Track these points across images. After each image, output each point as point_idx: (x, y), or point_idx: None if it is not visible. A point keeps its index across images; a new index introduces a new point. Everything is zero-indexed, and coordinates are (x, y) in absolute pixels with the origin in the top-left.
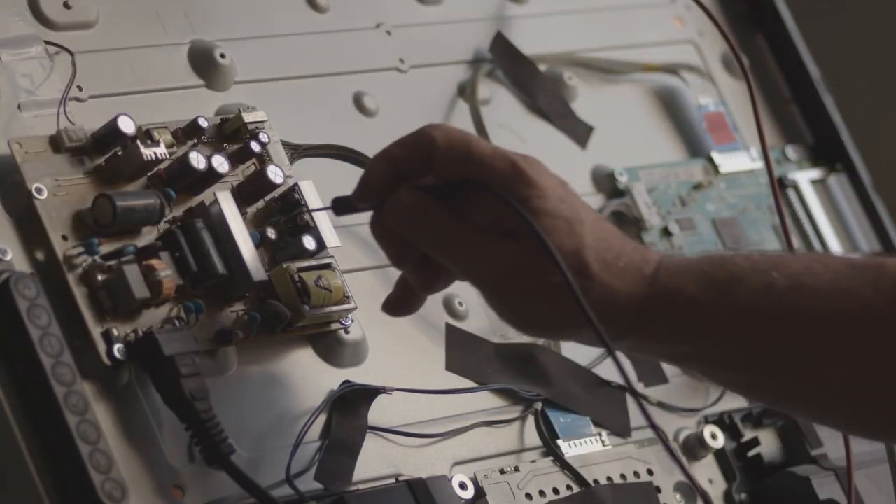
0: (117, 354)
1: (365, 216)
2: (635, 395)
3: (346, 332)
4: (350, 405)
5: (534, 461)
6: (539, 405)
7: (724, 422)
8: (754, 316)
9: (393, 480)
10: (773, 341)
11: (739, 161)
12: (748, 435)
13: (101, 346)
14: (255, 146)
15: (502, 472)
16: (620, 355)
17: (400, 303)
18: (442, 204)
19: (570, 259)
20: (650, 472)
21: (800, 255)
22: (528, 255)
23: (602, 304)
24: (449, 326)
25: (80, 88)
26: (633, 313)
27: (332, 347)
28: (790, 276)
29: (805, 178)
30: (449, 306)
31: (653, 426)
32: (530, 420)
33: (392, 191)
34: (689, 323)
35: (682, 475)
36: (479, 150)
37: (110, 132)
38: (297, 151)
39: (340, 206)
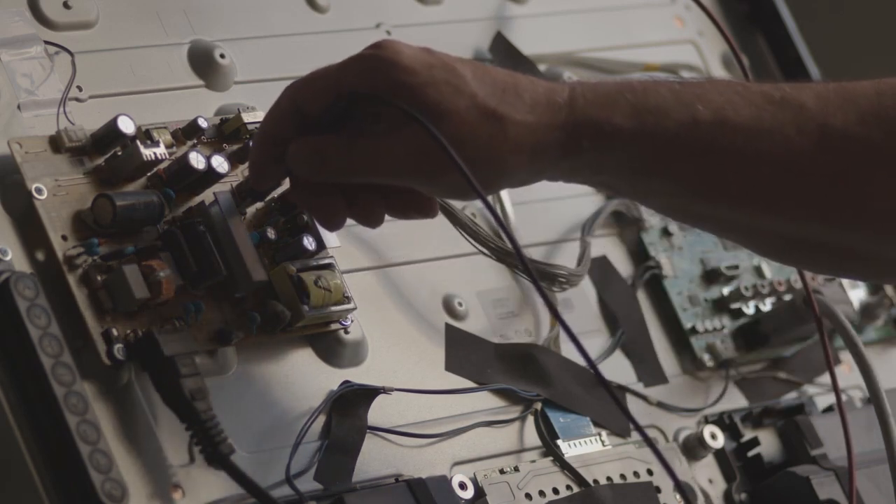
0: (117, 354)
1: None
2: (604, 382)
3: (346, 332)
4: (350, 405)
5: (534, 461)
6: (539, 405)
7: (724, 422)
8: (680, 149)
9: (393, 480)
10: (699, 173)
11: None
12: (748, 435)
13: (101, 346)
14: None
15: (502, 472)
16: (620, 355)
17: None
18: (333, 135)
19: (470, 113)
20: (650, 472)
21: (718, 83)
22: (421, 134)
23: (524, 141)
24: (449, 326)
25: (80, 88)
26: (559, 144)
27: (331, 347)
28: (714, 109)
29: None
30: (449, 306)
31: (621, 407)
32: (530, 420)
33: (281, 165)
34: (618, 151)
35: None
36: (331, 69)
37: (110, 132)
38: None
39: (253, 194)
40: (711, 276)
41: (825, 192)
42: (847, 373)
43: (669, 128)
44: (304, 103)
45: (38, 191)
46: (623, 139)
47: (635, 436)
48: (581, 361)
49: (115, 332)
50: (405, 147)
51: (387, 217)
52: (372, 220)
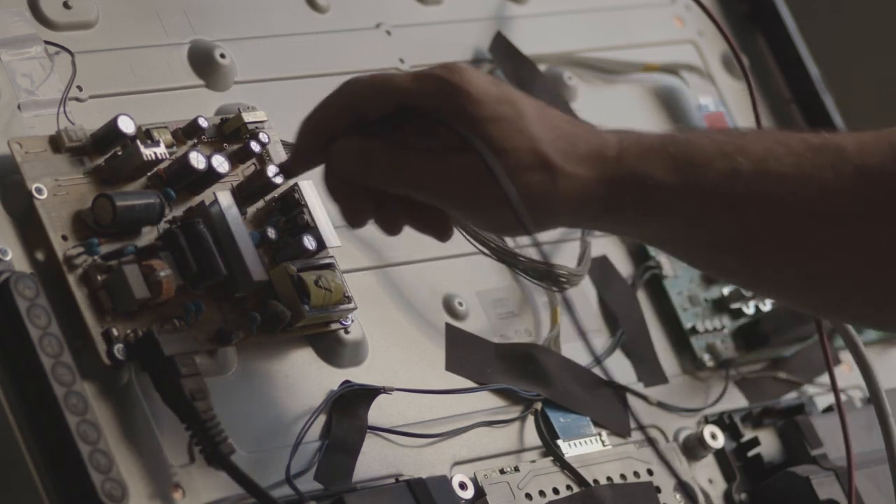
0: (117, 354)
1: None
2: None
3: (346, 332)
4: (350, 405)
5: (534, 461)
6: (539, 405)
7: (724, 422)
8: (721, 200)
9: (393, 480)
10: (739, 225)
11: None
12: (748, 435)
13: (101, 346)
14: (255, 146)
15: (502, 472)
16: (620, 356)
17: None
18: (384, 139)
19: (525, 157)
20: (650, 472)
21: (760, 134)
22: (480, 164)
23: (571, 193)
24: (449, 326)
25: (80, 88)
26: (603, 199)
27: (332, 347)
28: (755, 160)
29: None
30: (449, 306)
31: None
32: (530, 420)
33: (323, 153)
34: (659, 205)
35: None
36: (399, 79)
37: (110, 132)
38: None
39: (286, 172)
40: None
41: (865, 234)
42: (847, 373)
43: (710, 179)
44: (363, 105)
45: (38, 191)
46: (664, 193)
47: (635, 436)
48: (581, 362)
49: (115, 332)
50: (459, 174)
51: None
52: (393, 229)
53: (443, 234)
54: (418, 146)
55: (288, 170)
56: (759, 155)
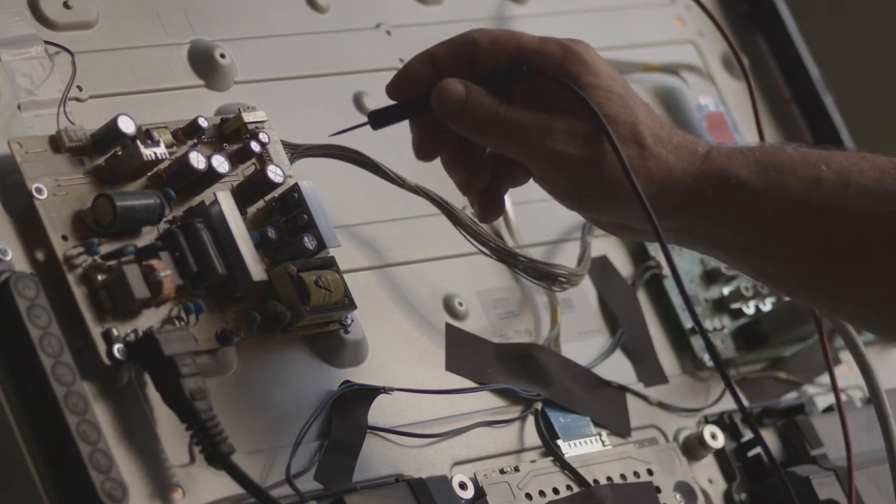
0: (117, 354)
1: (365, 217)
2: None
3: (346, 332)
4: (350, 405)
5: (534, 461)
6: (539, 405)
7: (724, 422)
8: (803, 206)
9: (393, 480)
10: (819, 234)
11: None
12: (748, 435)
13: (101, 346)
14: (255, 146)
15: (502, 472)
16: (620, 356)
17: (487, 213)
18: (489, 90)
19: (625, 129)
20: (650, 472)
21: (846, 151)
22: (583, 125)
23: (657, 176)
24: (449, 326)
25: (80, 88)
26: (686, 190)
27: (332, 347)
28: (838, 170)
29: None
30: (449, 306)
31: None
32: (530, 420)
33: (427, 85)
34: (739, 205)
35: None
36: (526, 38)
37: (110, 132)
38: (297, 151)
39: (377, 118)
40: (711, 276)
41: None
42: (847, 373)
43: (793, 185)
44: (484, 52)
45: (38, 191)
46: (746, 193)
47: (635, 436)
48: (581, 362)
49: (115, 332)
50: (563, 130)
51: (388, 217)
52: (470, 187)
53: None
54: (522, 104)
55: (381, 114)
56: (843, 166)
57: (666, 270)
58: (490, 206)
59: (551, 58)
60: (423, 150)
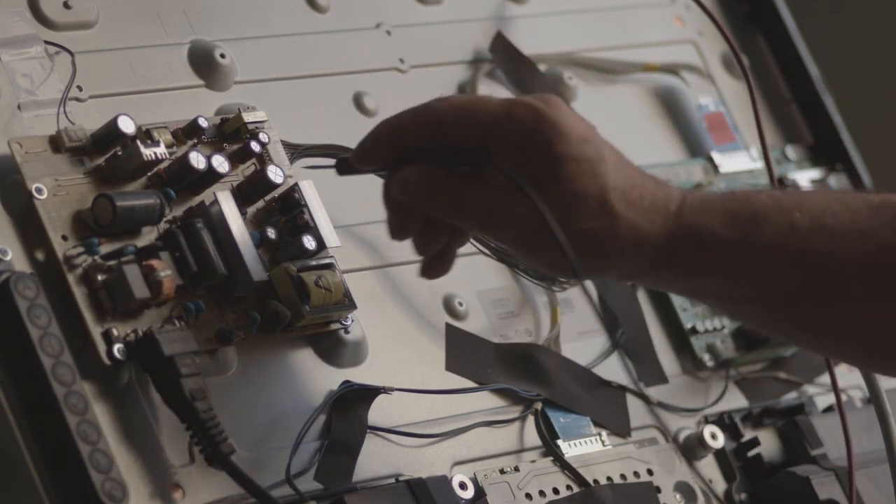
0: (117, 354)
1: (365, 217)
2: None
3: (346, 332)
4: (350, 405)
5: (534, 461)
6: (539, 405)
7: (724, 422)
8: (777, 255)
9: (393, 480)
10: (795, 280)
11: (739, 161)
12: (748, 435)
13: (101, 346)
14: (255, 146)
15: (502, 472)
16: (620, 355)
17: (434, 270)
18: (451, 172)
19: (594, 201)
20: (650, 472)
21: (819, 192)
22: (549, 206)
23: (629, 242)
24: (449, 326)
25: (80, 88)
26: (659, 251)
27: (332, 347)
28: (812, 216)
29: (805, 178)
30: (449, 306)
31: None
32: (530, 420)
33: (390, 158)
34: (714, 260)
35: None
36: (493, 107)
37: (110, 132)
38: (297, 151)
39: (343, 167)
40: None
41: None
42: (847, 373)
43: (767, 234)
44: (450, 129)
45: (38, 191)
46: (720, 249)
47: (635, 436)
48: (581, 362)
49: (115, 332)
50: (529, 214)
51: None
52: (427, 251)
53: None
54: (485, 181)
55: (347, 165)
56: (817, 211)
57: None
58: (441, 265)
59: (522, 128)
60: (398, 230)
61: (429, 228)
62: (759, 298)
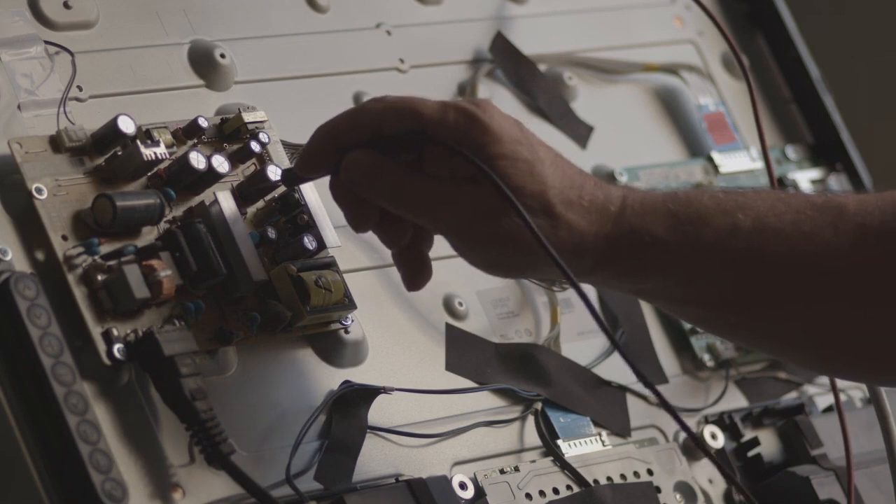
0: (117, 354)
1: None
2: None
3: (346, 332)
4: (350, 405)
5: (534, 461)
6: (539, 405)
7: (724, 422)
8: (719, 257)
9: (393, 480)
10: (737, 282)
11: (739, 161)
12: (748, 435)
13: (101, 346)
14: (255, 146)
15: (502, 472)
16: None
17: (413, 276)
18: (396, 161)
19: (533, 200)
20: (650, 472)
21: (762, 192)
22: (489, 199)
23: (568, 243)
24: (449, 326)
25: (80, 88)
26: (599, 252)
27: (332, 347)
28: (754, 217)
29: (805, 178)
30: (449, 306)
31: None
32: (530, 420)
33: (333, 162)
34: (655, 262)
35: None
36: (426, 108)
37: (110, 132)
38: (297, 151)
39: (288, 177)
40: None
41: (863, 287)
42: None
43: (709, 236)
44: (384, 124)
45: (38, 191)
46: (662, 250)
47: (635, 436)
48: (581, 362)
49: (115, 332)
50: (469, 204)
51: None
52: (393, 242)
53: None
54: (428, 172)
55: (292, 175)
56: (759, 212)
57: None
58: (415, 266)
59: (454, 129)
60: (356, 222)
61: (388, 220)
62: (704, 300)
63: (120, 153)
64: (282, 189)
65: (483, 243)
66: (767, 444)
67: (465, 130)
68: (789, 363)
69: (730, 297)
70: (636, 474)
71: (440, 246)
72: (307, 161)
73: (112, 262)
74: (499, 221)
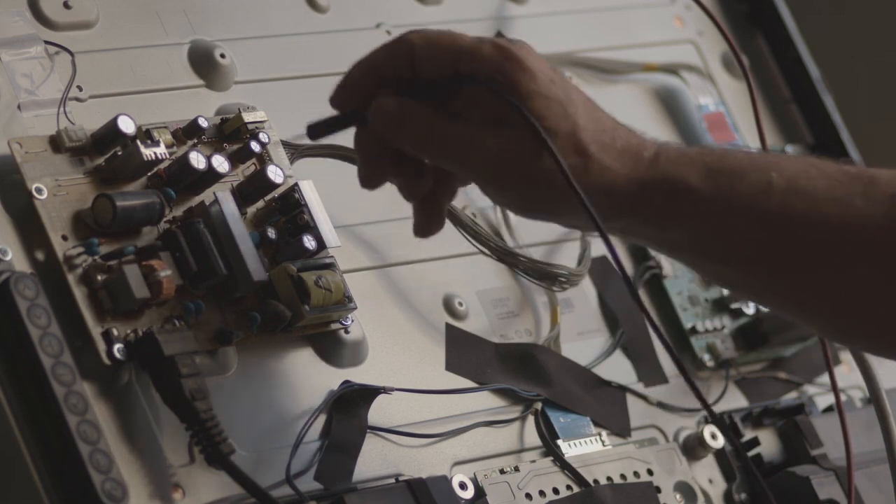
0: (117, 354)
1: (365, 217)
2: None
3: (346, 332)
4: (350, 405)
5: (534, 461)
6: (539, 405)
7: (725, 422)
8: (751, 213)
9: (393, 480)
10: (766, 240)
11: None
12: (748, 435)
13: (101, 346)
14: (255, 146)
15: (502, 472)
16: (620, 355)
17: (426, 225)
18: (426, 104)
19: (566, 140)
20: (650, 472)
21: (794, 157)
22: (521, 140)
23: (601, 184)
24: (449, 326)
25: (80, 88)
26: (631, 196)
27: (332, 347)
28: (788, 177)
29: None
30: (449, 306)
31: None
32: (530, 420)
33: (370, 96)
34: (687, 211)
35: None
36: (463, 41)
37: (110, 132)
38: (297, 151)
39: (315, 130)
40: None
41: (889, 259)
42: (847, 373)
43: (743, 191)
44: (423, 60)
45: (38, 191)
46: (695, 200)
47: (635, 436)
48: (581, 362)
49: (115, 332)
50: (499, 145)
51: (388, 217)
52: (414, 194)
53: (441, 213)
54: (458, 113)
55: (317, 128)
56: (792, 173)
57: (666, 270)
58: (430, 215)
59: (489, 63)
60: (368, 178)
61: (409, 170)
62: (731, 258)
63: (120, 153)
64: (282, 189)
65: (514, 184)
66: (767, 444)
67: (499, 64)
68: (808, 327)
69: (756, 255)
70: (636, 474)
71: (440, 246)
72: (344, 93)
73: (112, 262)
74: (530, 162)
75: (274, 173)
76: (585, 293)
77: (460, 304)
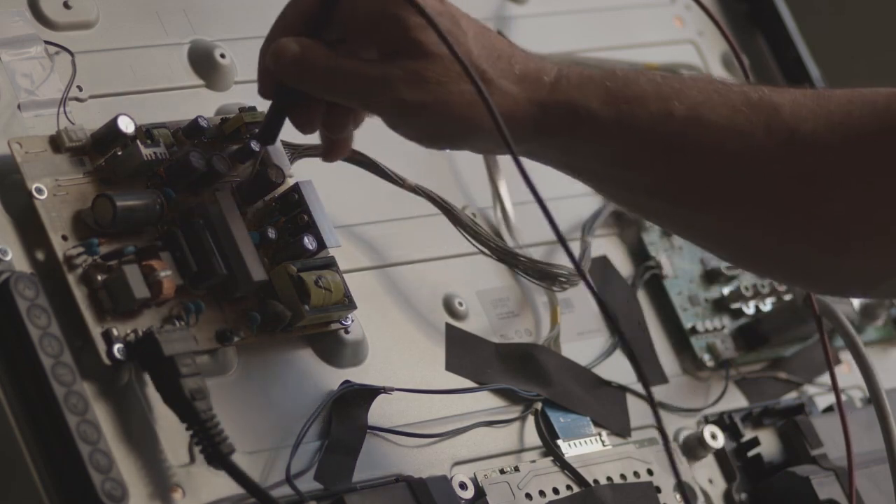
0: (117, 354)
1: (365, 217)
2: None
3: (346, 332)
4: (350, 405)
5: (534, 461)
6: (539, 405)
7: (724, 422)
8: (650, 141)
9: (393, 480)
10: (665, 169)
11: None
12: (748, 435)
13: (101, 346)
14: (255, 146)
15: (502, 472)
16: (620, 355)
17: (333, 151)
18: (324, 42)
19: (457, 68)
20: (650, 472)
21: (700, 80)
22: (421, 71)
23: (502, 108)
24: (449, 326)
25: (80, 88)
26: (533, 119)
27: (332, 347)
28: (689, 106)
29: None
30: (449, 306)
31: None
32: (530, 420)
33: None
34: (588, 136)
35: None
36: None
37: (110, 132)
38: (297, 151)
39: (264, 135)
40: (711, 276)
41: (785, 195)
42: (847, 373)
43: (643, 118)
44: (308, 7)
45: (38, 191)
46: (597, 125)
47: (635, 436)
48: (581, 362)
49: (115, 332)
50: (401, 78)
51: (388, 217)
52: (336, 130)
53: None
54: (355, 52)
55: (267, 131)
56: (695, 101)
57: (666, 270)
58: (339, 143)
59: (373, 1)
60: (301, 124)
61: (333, 112)
62: (633, 185)
63: (120, 153)
64: (282, 189)
65: (420, 115)
66: (767, 444)
67: (384, 1)
68: (721, 258)
69: (658, 185)
70: (636, 474)
71: (440, 246)
72: (265, 79)
73: (112, 262)
74: (434, 89)
75: (274, 173)
76: (585, 293)
77: (460, 304)
